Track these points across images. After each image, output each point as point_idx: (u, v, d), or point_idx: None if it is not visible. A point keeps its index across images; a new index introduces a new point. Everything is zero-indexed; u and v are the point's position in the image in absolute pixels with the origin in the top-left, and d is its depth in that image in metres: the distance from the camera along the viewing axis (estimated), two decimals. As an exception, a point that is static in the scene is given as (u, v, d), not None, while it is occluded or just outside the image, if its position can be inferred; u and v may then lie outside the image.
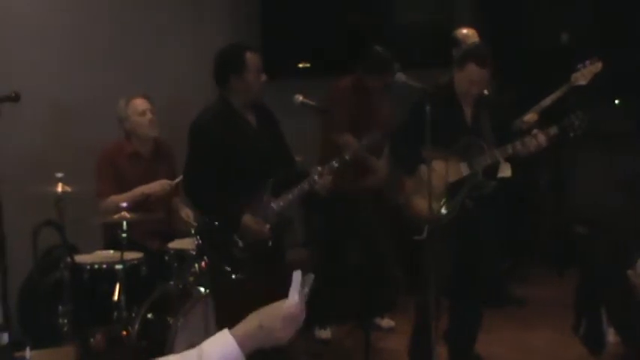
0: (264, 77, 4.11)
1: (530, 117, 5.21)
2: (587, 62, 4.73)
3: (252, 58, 4.07)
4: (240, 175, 4.04)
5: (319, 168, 4.07)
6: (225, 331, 1.80)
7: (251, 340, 1.80)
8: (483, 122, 4.47)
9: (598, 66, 4.71)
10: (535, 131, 4.45)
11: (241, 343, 1.78)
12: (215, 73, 4.15)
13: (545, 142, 4.31)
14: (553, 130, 4.35)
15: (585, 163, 6.91)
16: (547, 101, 4.83)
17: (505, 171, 5.41)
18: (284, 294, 1.90)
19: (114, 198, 4.75)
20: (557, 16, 7.06)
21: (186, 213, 4.96)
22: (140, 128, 4.93)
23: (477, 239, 4.48)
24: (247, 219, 3.98)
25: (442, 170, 4.32)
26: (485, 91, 4.72)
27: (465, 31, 5.58)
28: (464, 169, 4.41)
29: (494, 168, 4.47)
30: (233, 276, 3.93)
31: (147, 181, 4.90)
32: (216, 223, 4.08)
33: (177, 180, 4.86)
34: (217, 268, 4.16)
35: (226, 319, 4.02)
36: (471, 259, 4.47)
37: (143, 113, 4.92)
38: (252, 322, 1.83)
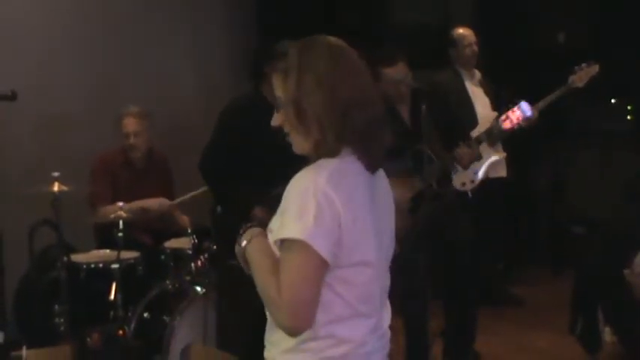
0: None
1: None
2: (584, 65, 4.68)
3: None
4: (259, 165, 4.05)
5: None
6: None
7: None
8: (422, 119, 4.20)
9: (595, 68, 4.67)
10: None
11: None
12: (252, 66, 4.17)
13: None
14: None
15: (582, 163, 6.91)
16: (543, 104, 4.74)
17: (500, 171, 5.37)
18: None
19: (110, 208, 4.74)
20: (556, 17, 7.06)
21: (183, 219, 5.02)
22: (124, 147, 5.04)
23: (452, 243, 4.39)
24: (257, 210, 3.99)
25: (398, 188, 4.19)
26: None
27: (461, 30, 5.56)
28: (418, 184, 4.22)
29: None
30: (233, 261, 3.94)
31: (138, 191, 4.96)
32: (228, 209, 4.09)
33: (177, 202, 5.04)
34: (221, 254, 4.17)
35: (229, 304, 4.04)
36: (453, 261, 4.41)
37: (127, 136, 4.99)
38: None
